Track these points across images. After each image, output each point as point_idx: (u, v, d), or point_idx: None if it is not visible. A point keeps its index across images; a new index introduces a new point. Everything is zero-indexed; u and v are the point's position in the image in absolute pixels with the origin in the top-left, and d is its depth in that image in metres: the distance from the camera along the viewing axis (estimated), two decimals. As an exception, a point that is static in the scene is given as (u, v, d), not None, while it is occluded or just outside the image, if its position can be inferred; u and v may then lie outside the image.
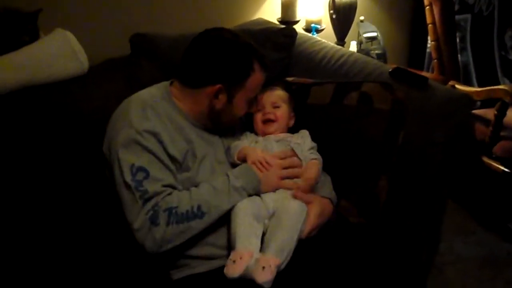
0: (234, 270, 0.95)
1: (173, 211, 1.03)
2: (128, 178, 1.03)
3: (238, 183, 1.10)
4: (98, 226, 1.26)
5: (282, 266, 0.98)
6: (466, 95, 1.39)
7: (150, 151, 1.06)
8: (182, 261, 1.11)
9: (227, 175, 1.12)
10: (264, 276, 0.93)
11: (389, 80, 1.44)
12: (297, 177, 1.17)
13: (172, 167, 1.10)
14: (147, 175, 1.04)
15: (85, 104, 1.33)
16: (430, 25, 2.19)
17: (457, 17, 2.28)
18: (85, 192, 1.28)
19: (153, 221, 1.02)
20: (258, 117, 1.30)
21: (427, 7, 2.18)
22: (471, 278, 1.85)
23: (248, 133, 1.31)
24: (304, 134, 1.29)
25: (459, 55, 2.25)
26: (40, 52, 1.31)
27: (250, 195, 1.11)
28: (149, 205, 1.02)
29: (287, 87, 1.47)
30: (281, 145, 1.23)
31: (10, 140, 1.21)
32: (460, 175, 2.07)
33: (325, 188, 1.22)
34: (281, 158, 1.18)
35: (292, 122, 1.35)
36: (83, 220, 1.27)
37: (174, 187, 1.08)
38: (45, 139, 1.25)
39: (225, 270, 0.97)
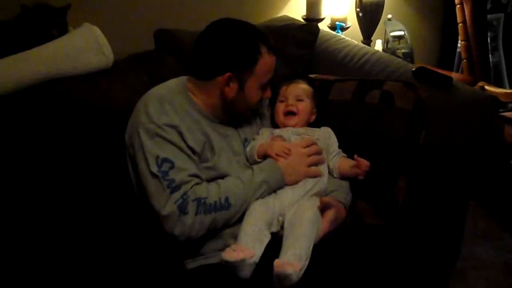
0: (231, 255, 0.97)
1: (202, 201, 1.07)
2: (154, 169, 1.07)
3: (261, 177, 1.13)
4: (119, 214, 1.30)
5: (300, 274, 0.98)
6: (491, 96, 1.35)
7: (172, 143, 1.09)
8: (198, 251, 1.13)
9: (252, 169, 1.15)
10: (284, 265, 0.94)
11: (412, 80, 1.42)
12: (321, 163, 1.20)
13: (194, 157, 1.12)
14: (172, 165, 1.07)
15: (108, 97, 1.36)
16: (460, 24, 2.14)
17: (489, 16, 2.21)
18: (106, 182, 1.31)
19: (182, 209, 1.05)
20: (280, 108, 1.30)
21: (458, 6, 2.13)
22: (494, 285, 1.80)
23: (263, 129, 1.31)
24: (330, 132, 1.29)
25: (490, 56, 2.19)
26: (67, 45, 1.35)
27: (274, 190, 1.14)
28: (178, 194, 1.06)
29: (309, 83, 1.46)
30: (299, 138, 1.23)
31: (32, 132, 1.25)
32: (487, 179, 2.02)
33: (341, 193, 1.21)
34: (304, 147, 1.21)
35: (313, 118, 1.35)
36: (105, 208, 1.30)
37: (199, 177, 1.11)
38: (66, 132, 1.28)
39: (223, 253, 0.98)
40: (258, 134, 1.29)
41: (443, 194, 1.35)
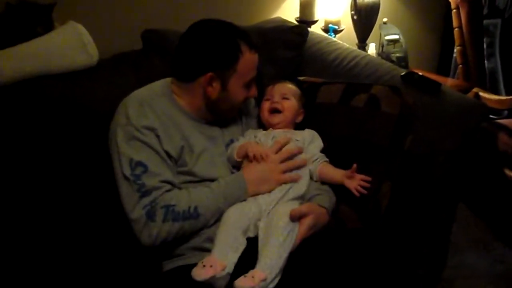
0: (200, 273, 0.97)
1: (171, 209, 1.05)
2: (127, 171, 1.07)
3: (228, 190, 1.11)
4: (96, 219, 1.28)
5: (270, 284, 0.97)
6: (479, 103, 1.34)
7: (149, 146, 1.09)
8: (176, 251, 1.12)
9: (220, 181, 1.13)
10: (243, 283, 0.93)
11: (400, 84, 1.40)
12: (301, 166, 1.17)
13: (169, 162, 1.11)
14: (146, 169, 1.07)
15: (92, 96, 1.34)
16: (456, 29, 2.12)
17: (486, 21, 2.19)
18: (88, 185, 1.30)
19: (150, 216, 1.05)
20: (266, 105, 1.29)
21: (454, 10, 2.10)
22: (482, 295, 1.77)
23: (249, 131, 1.29)
24: (314, 135, 1.27)
25: (486, 61, 2.16)
26: (51, 43, 1.34)
27: (233, 202, 1.11)
28: (147, 199, 1.05)
29: (298, 85, 1.44)
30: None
31: (14, 129, 1.24)
32: (481, 187, 1.99)
33: (324, 197, 1.18)
34: (277, 152, 1.17)
35: (300, 118, 1.33)
36: (83, 213, 1.28)
37: (171, 183, 1.10)
38: (50, 129, 1.27)
39: (192, 270, 0.98)
40: (243, 136, 1.28)
41: (429, 201, 1.33)
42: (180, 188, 1.12)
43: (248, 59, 1.14)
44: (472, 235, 2.06)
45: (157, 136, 1.10)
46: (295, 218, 1.06)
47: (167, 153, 1.11)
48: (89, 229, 1.26)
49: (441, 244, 1.44)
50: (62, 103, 1.30)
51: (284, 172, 1.15)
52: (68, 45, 1.34)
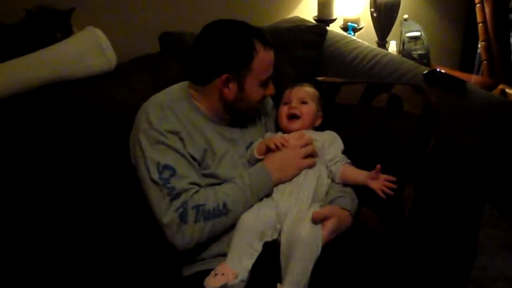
0: (212, 282, 0.97)
1: (201, 208, 1.05)
2: (155, 176, 1.06)
3: (252, 181, 1.11)
4: (121, 218, 1.29)
5: None
6: (506, 101, 1.29)
7: (174, 150, 1.08)
8: (196, 257, 1.12)
9: (243, 174, 1.13)
10: None
11: (423, 83, 1.36)
12: (315, 155, 1.17)
13: (194, 164, 1.11)
14: (174, 172, 1.06)
15: (111, 100, 1.35)
16: (480, 24, 2.06)
17: (511, 15, 2.11)
18: (109, 187, 1.30)
19: (182, 218, 1.04)
20: (284, 110, 1.27)
21: (478, 5, 2.04)
22: (513, 299, 1.72)
23: (268, 134, 1.28)
24: (335, 136, 1.25)
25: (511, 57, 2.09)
26: (70, 48, 1.35)
27: (263, 193, 1.12)
28: (178, 202, 1.05)
29: (317, 86, 1.42)
30: None
31: (34, 135, 1.25)
32: (507, 186, 1.93)
33: (346, 198, 1.15)
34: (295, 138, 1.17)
35: (318, 122, 1.31)
36: (108, 211, 1.29)
37: (198, 185, 1.10)
38: (69, 135, 1.28)
39: (205, 280, 0.98)
40: (263, 137, 1.26)
41: (454, 202, 1.29)
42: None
43: (263, 57, 1.13)
44: (499, 236, 1.99)
45: (181, 139, 1.10)
46: (318, 220, 1.04)
47: (191, 156, 1.10)
48: (111, 234, 1.27)
49: (468, 246, 1.39)
50: (81, 108, 1.31)
51: (305, 157, 1.15)
52: (87, 50, 1.35)
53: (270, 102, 1.34)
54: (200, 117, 1.16)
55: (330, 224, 1.06)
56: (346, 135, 1.27)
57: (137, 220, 1.22)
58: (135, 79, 1.44)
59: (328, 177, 1.20)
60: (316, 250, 1.00)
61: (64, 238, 1.23)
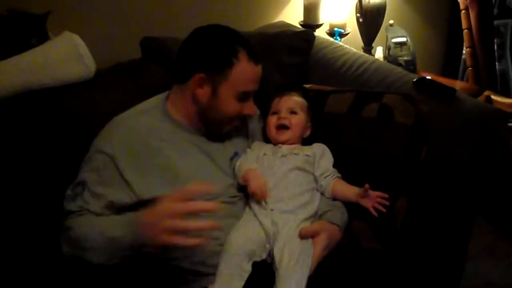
0: None
1: (68, 232, 1.02)
2: (70, 187, 1.06)
3: (116, 233, 0.94)
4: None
5: None
6: (497, 110, 1.27)
7: (97, 173, 1.05)
8: (179, 276, 1.06)
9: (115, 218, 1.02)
10: None
11: (413, 91, 1.34)
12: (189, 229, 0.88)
13: (118, 192, 1.03)
14: (82, 192, 1.05)
15: (90, 109, 1.28)
16: (465, 31, 2.06)
17: (496, 22, 2.13)
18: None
19: (61, 234, 1.03)
20: (272, 121, 1.23)
21: (463, 11, 2.04)
22: (501, 307, 1.71)
23: (256, 143, 1.23)
24: (324, 149, 1.21)
25: (496, 63, 2.09)
26: (45, 55, 1.27)
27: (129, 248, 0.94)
28: (66, 223, 1.04)
29: (304, 94, 1.39)
30: (286, 161, 1.15)
31: (11, 144, 1.18)
32: (493, 193, 1.93)
33: (335, 212, 1.12)
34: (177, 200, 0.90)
35: (308, 133, 1.28)
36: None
37: (93, 213, 1.04)
38: (48, 144, 1.21)
39: None
40: (249, 147, 1.22)
41: (446, 214, 1.27)
42: None
43: (244, 69, 1.07)
44: (485, 243, 1.99)
45: (116, 167, 1.04)
46: (306, 237, 1.01)
47: (127, 182, 1.03)
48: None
49: (458, 258, 1.37)
50: (58, 117, 1.24)
51: (167, 230, 0.87)
52: (64, 57, 1.28)
53: (256, 112, 1.29)
54: (172, 127, 1.11)
55: (321, 241, 1.03)
56: (336, 146, 1.24)
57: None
58: (115, 86, 1.38)
59: (318, 190, 1.16)
60: (307, 270, 0.97)
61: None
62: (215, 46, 1.08)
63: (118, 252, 0.95)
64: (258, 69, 1.10)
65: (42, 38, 1.35)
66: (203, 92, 1.08)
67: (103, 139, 1.08)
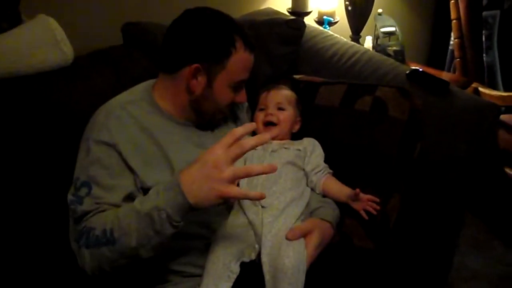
0: None
1: (91, 233, 0.90)
2: (71, 192, 0.97)
3: (153, 203, 0.84)
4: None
5: None
6: (492, 104, 1.24)
7: (101, 164, 0.97)
8: (166, 276, 1.02)
9: (150, 193, 0.88)
10: None
11: (406, 84, 1.31)
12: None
13: (125, 184, 0.97)
14: (89, 191, 0.95)
15: (67, 97, 1.21)
16: (454, 21, 2.03)
17: (484, 13, 2.10)
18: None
19: (80, 242, 0.92)
20: (260, 117, 1.19)
21: (452, 1, 2.01)
22: (485, 299, 1.73)
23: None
24: (315, 144, 1.17)
25: (484, 55, 2.07)
26: (19, 40, 1.19)
27: (180, 216, 0.84)
28: (80, 226, 0.94)
29: (294, 85, 1.35)
30: (276, 156, 1.11)
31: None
32: (480, 186, 1.93)
33: (326, 209, 1.08)
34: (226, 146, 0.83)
35: (297, 127, 1.24)
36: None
37: (112, 205, 0.95)
38: (25, 135, 1.14)
39: None
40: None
41: (439, 210, 1.24)
42: None
43: (241, 58, 1.03)
44: (471, 236, 2.01)
45: (118, 152, 0.97)
46: (296, 237, 0.96)
47: (131, 169, 0.98)
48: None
49: (448, 252, 1.35)
50: (33, 107, 1.16)
51: (231, 182, 0.82)
52: (39, 42, 1.20)
53: (244, 104, 1.24)
54: (161, 119, 1.05)
55: (313, 239, 0.99)
56: (327, 141, 1.20)
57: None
58: (95, 74, 1.30)
59: (308, 186, 1.12)
60: (303, 274, 0.93)
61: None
62: (213, 36, 1.01)
63: (154, 227, 0.84)
64: (252, 57, 1.06)
65: (14, 21, 1.25)
66: (198, 83, 1.02)
67: (97, 129, 0.99)
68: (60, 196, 1.12)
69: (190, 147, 1.06)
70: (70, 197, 0.96)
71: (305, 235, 0.99)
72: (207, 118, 1.09)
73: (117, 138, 0.98)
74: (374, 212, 1.07)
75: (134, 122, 1.02)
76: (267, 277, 0.93)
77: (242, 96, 1.10)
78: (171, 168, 1.01)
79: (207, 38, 1.00)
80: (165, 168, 1.01)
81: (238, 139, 0.82)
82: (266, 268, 0.93)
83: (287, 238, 0.95)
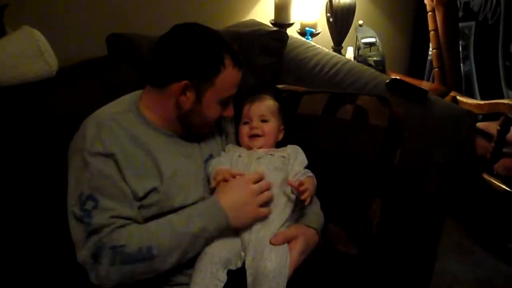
0: None
1: (119, 250, 0.92)
2: (77, 208, 0.96)
3: (198, 226, 0.96)
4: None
5: None
6: (469, 112, 1.28)
7: (103, 175, 0.97)
8: (154, 285, 1.01)
9: (190, 213, 0.99)
10: None
11: (386, 92, 1.34)
12: (270, 202, 1.05)
13: (128, 191, 0.99)
14: (96, 204, 0.95)
15: (51, 109, 1.21)
16: (432, 32, 2.09)
17: (460, 24, 2.17)
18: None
19: (96, 258, 0.93)
20: (244, 130, 1.20)
21: (430, 13, 2.07)
22: (467, 303, 1.76)
23: (230, 146, 1.20)
24: (297, 151, 1.19)
25: (461, 65, 2.14)
26: (2, 51, 1.19)
27: (217, 235, 0.98)
28: (92, 240, 0.94)
29: (277, 94, 1.37)
30: (263, 162, 1.12)
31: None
32: (459, 191, 1.98)
33: (311, 216, 1.10)
34: (254, 182, 1.04)
35: (281, 136, 1.25)
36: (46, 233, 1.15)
37: (126, 218, 0.97)
38: (9, 144, 1.14)
39: None
40: (224, 151, 1.19)
41: (419, 215, 1.27)
42: (139, 223, 0.99)
43: (229, 75, 1.05)
44: (452, 241, 2.04)
45: (115, 162, 0.98)
46: (280, 242, 0.98)
47: (126, 180, 0.99)
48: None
49: (430, 256, 1.38)
50: (16, 118, 1.16)
51: (261, 205, 1.03)
52: (23, 53, 1.20)
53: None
54: (149, 131, 1.06)
55: (298, 245, 1.01)
56: (310, 148, 1.22)
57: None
58: (79, 86, 1.30)
59: (293, 192, 1.14)
60: (284, 281, 0.94)
61: None
62: (202, 54, 1.03)
63: (195, 245, 0.97)
64: (241, 73, 1.09)
65: (-1, 32, 1.26)
66: (186, 99, 1.04)
67: (90, 142, 0.99)
68: (49, 205, 1.14)
69: (178, 157, 1.07)
70: (77, 212, 0.95)
71: (289, 240, 1.01)
72: (194, 131, 1.11)
73: (112, 148, 0.99)
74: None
75: (125, 133, 1.02)
76: (249, 280, 0.94)
77: (229, 110, 1.12)
78: (160, 178, 1.02)
79: (196, 55, 1.02)
80: (155, 177, 1.02)
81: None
82: (249, 271, 0.95)
83: (271, 243, 0.97)
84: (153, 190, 1.01)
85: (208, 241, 0.97)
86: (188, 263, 0.99)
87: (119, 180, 0.98)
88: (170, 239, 0.95)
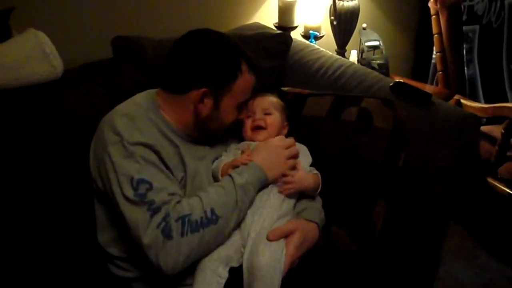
0: None
1: (186, 219, 0.93)
2: (130, 192, 0.94)
3: (242, 179, 1.01)
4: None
5: None
6: (473, 115, 1.28)
7: (148, 162, 0.97)
8: (157, 286, 1.03)
9: (230, 175, 1.02)
10: None
11: (390, 95, 1.35)
12: (296, 157, 1.13)
13: (173, 177, 1.02)
14: (150, 186, 0.95)
15: (55, 112, 1.21)
16: (436, 35, 2.09)
17: (464, 27, 2.17)
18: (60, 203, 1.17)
19: (166, 234, 0.91)
20: (248, 123, 1.20)
21: (434, 16, 2.07)
22: (471, 307, 1.75)
23: (232, 146, 1.20)
24: (302, 148, 1.19)
25: (465, 68, 2.14)
26: (8, 54, 1.20)
27: (260, 189, 1.04)
28: (159, 217, 0.92)
29: (281, 96, 1.37)
30: None
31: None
32: (463, 195, 1.97)
33: (312, 211, 1.10)
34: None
35: (284, 132, 1.25)
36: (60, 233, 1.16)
37: (179, 195, 0.99)
38: (14, 146, 1.14)
39: None
40: (226, 150, 1.19)
41: (423, 218, 1.27)
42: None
43: (245, 80, 1.08)
44: (456, 245, 2.04)
45: (156, 152, 0.99)
46: (276, 237, 0.97)
47: (170, 169, 1.01)
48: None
49: (433, 260, 1.38)
50: (22, 120, 1.16)
51: (288, 158, 1.09)
52: (28, 56, 1.21)
53: None
54: (168, 130, 1.07)
55: (294, 239, 1.00)
56: (314, 149, 1.22)
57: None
58: (84, 88, 1.31)
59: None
60: (279, 275, 0.94)
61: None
62: (221, 61, 1.05)
63: (244, 197, 1.00)
64: (254, 78, 1.12)
65: (4, 35, 1.27)
66: (204, 106, 1.06)
67: (125, 131, 0.98)
68: (55, 205, 1.14)
69: (194, 160, 1.09)
70: (132, 197, 0.94)
71: (286, 235, 1.00)
72: (210, 135, 1.14)
73: (149, 139, 0.99)
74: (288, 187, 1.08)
75: (153, 125, 1.03)
76: (245, 275, 0.94)
77: (242, 114, 1.16)
78: (184, 172, 1.05)
79: (215, 63, 1.04)
80: (180, 171, 1.05)
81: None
82: (244, 266, 0.95)
83: (268, 239, 0.97)
84: (182, 180, 1.05)
85: (252, 197, 1.02)
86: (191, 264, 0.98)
87: (163, 166, 0.99)
88: (225, 196, 0.98)
